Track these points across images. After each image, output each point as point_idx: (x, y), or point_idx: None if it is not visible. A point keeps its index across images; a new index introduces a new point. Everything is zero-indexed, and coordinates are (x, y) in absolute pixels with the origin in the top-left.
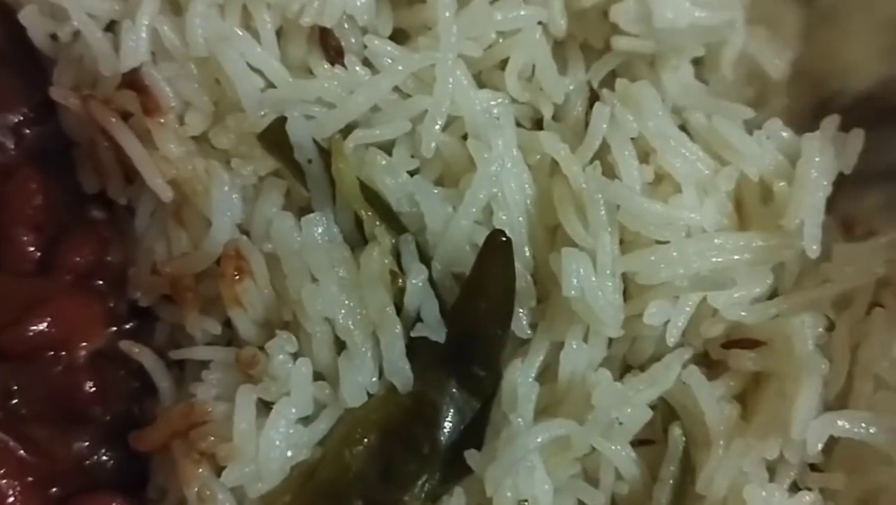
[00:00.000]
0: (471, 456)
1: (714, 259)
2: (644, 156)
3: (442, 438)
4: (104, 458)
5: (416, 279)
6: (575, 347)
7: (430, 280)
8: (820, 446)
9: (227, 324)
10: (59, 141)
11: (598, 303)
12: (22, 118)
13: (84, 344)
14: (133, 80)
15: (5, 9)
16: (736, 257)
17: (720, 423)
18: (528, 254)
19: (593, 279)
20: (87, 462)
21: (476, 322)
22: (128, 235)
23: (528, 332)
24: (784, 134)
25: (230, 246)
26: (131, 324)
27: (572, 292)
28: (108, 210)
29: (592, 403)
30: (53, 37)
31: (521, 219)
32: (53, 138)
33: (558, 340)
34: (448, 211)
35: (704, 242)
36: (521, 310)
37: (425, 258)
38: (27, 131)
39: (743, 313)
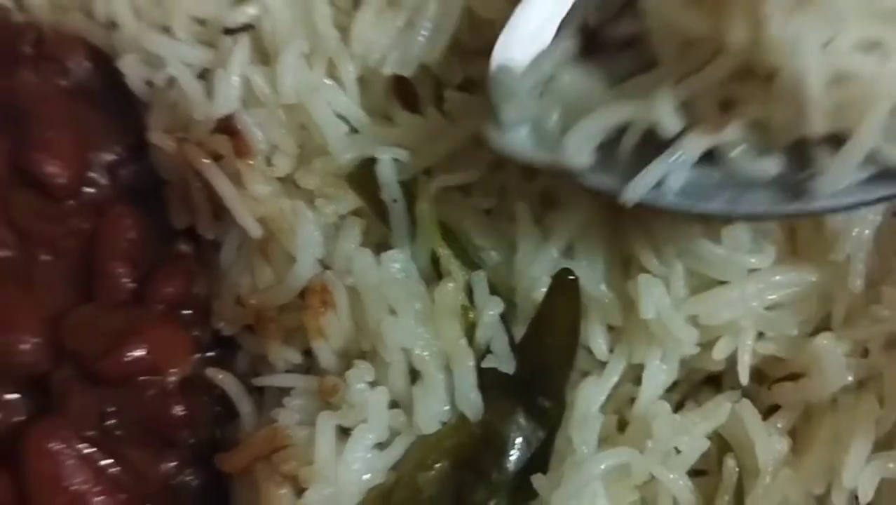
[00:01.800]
0: (538, 481)
1: (770, 297)
2: None
3: (509, 465)
4: (189, 478)
5: (492, 312)
6: (656, 365)
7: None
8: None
9: (306, 353)
10: (149, 180)
11: (674, 323)
12: (116, 157)
13: (174, 370)
14: (227, 126)
15: (102, 56)
16: (789, 291)
17: (770, 454)
18: (602, 287)
19: (668, 302)
20: (174, 482)
21: (543, 356)
22: (212, 269)
23: (607, 354)
24: None
25: (317, 280)
26: (214, 352)
27: (650, 315)
28: (194, 244)
29: (653, 433)
30: (148, 83)
31: (597, 255)
32: (144, 177)
33: (636, 361)
34: (531, 247)
35: (763, 282)
36: (599, 335)
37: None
38: (121, 170)
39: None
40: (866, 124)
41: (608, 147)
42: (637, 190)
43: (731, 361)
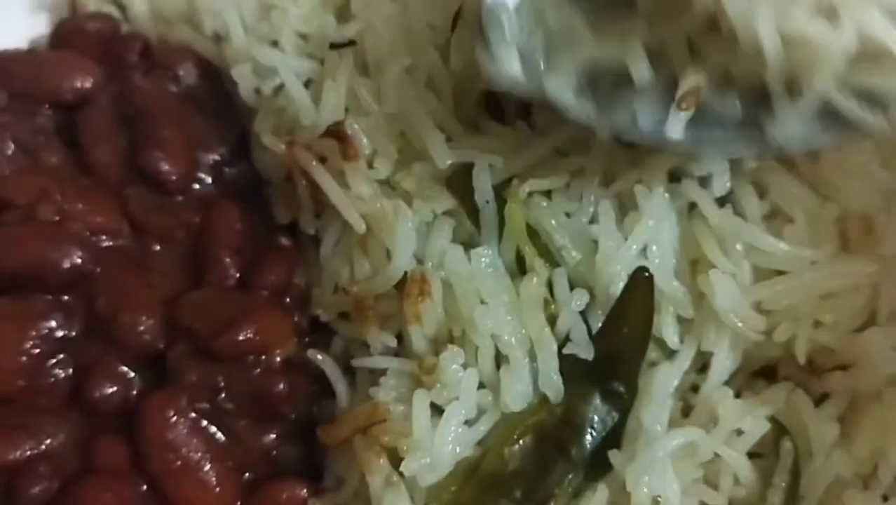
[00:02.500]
0: (614, 455)
1: (827, 286)
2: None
3: (587, 443)
4: (288, 449)
5: (578, 303)
6: (724, 352)
7: None
8: None
9: (398, 338)
10: (249, 178)
11: (743, 313)
12: (220, 157)
13: (279, 351)
14: (336, 131)
15: (208, 65)
16: (843, 281)
17: (823, 437)
18: (675, 283)
19: (738, 294)
20: (275, 453)
21: (618, 344)
22: (311, 261)
23: (678, 343)
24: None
25: (417, 271)
26: (311, 337)
27: (722, 305)
28: (294, 238)
29: (718, 415)
30: (256, 90)
31: (669, 254)
32: (245, 176)
33: (706, 349)
34: (611, 246)
35: (820, 272)
36: (671, 326)
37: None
38: (224, 169)
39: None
40: (816, 80)
41: (596, 83)
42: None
43: (787, 350)
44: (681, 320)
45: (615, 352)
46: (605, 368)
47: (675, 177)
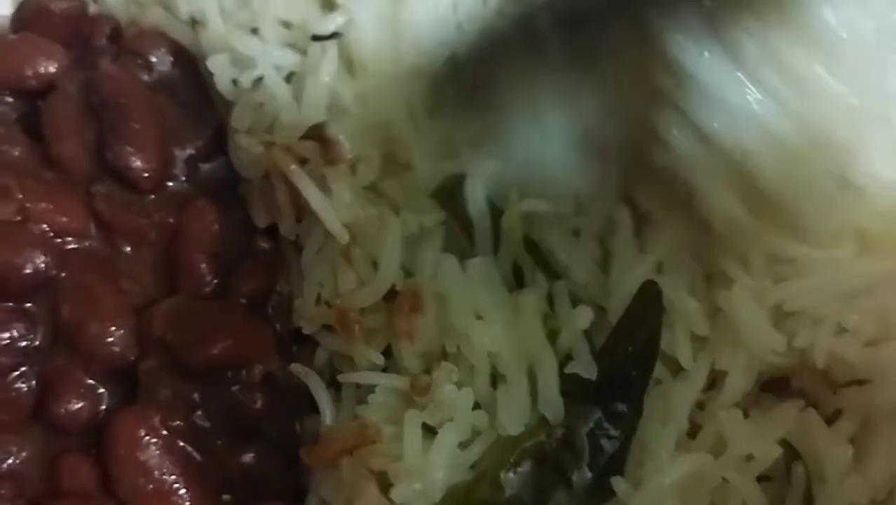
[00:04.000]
0: (617, 483)
1: (849, 285)
2: None
3: (588, 467)
4: (268, 469)
5: (580, 323)
6: (739, 371)
7: None
8: None
9: (384, 352)
10: (226, 175)
11: (765, 332)
12: (195, 152)
13: (259, 365)
14: (319, 134)
15: (184, 54)
16: (865, 280)
17: (836, 461)
18: (690, 298)
19: (759, 310)
20: (254, 473)
21: (623, 363)
22: (292, 267)
23: (692, 362)
24: None
25: (409, 286)
26: (293, 348)
27: (742, 322)
28: (274, 242)
29: (728, 440)
30: (233, 82)
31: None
32: (222, 172)
33: (721, 368)
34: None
35: (841, 270)
36: (684, 344)
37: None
38: (200, 165)
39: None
40: None
41: None
42: None
43: (804, 359)
44: (693, 338)
45: (620, 370)
46: (609, 388)
47: None
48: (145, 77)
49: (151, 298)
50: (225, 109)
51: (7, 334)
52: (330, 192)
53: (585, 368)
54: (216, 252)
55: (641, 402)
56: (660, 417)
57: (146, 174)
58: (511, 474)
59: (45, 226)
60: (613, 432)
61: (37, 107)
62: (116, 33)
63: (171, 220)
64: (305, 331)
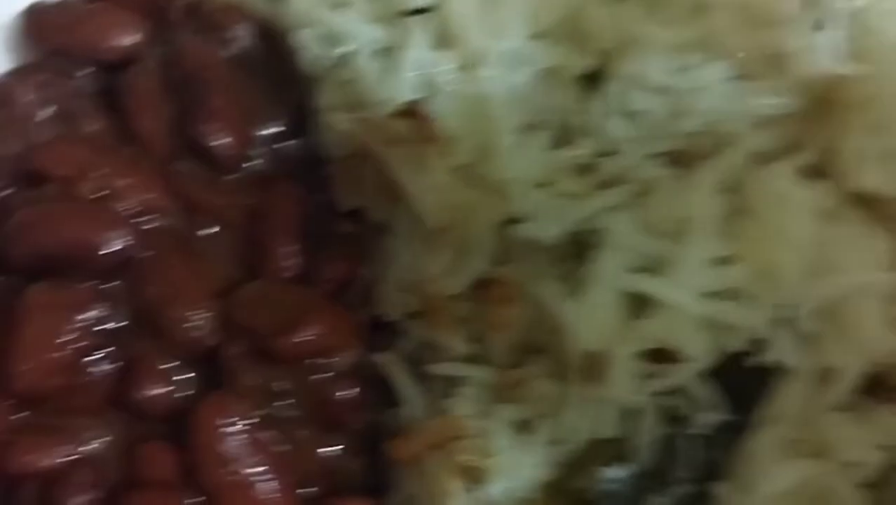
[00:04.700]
0: (720, 489)
1: None
2: None
3: (686, 474)
4: (351, 464)
5: None
6: (854, 370)
7: None
8: None
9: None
10: (309, 155)
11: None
12: (277, 132)
13: (344, 353)
14: (413, 110)
15: (266, 30)
16: None
17: None
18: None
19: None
20: (336, 466)
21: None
22: (377, 252)
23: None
24: None
25: (501, 274)
26: (374, 338)
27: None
28: (358, 226)
29: (831, 445)
30: (320, 58)
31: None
32: (304, 152)
33: (831, 365)
34: None
35: None
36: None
37: None
38: (282, 144)
39: None
40: None
41: None
42: None
43: None
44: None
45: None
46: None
47: None
48: (224, 52)
49: (233, 281)
50: (308, 87)
51: (87, 315)
52: (423, 172)
53: None
54: (299, 235)
55: (751, 410)
56: (764, 420)
57: (229, 152)
58: (607, 471)
59: (126, 203)
60: (718, 437)
61: (115, 80)
62: (194, 7)
63: (253, 202)
64: (389, 318)
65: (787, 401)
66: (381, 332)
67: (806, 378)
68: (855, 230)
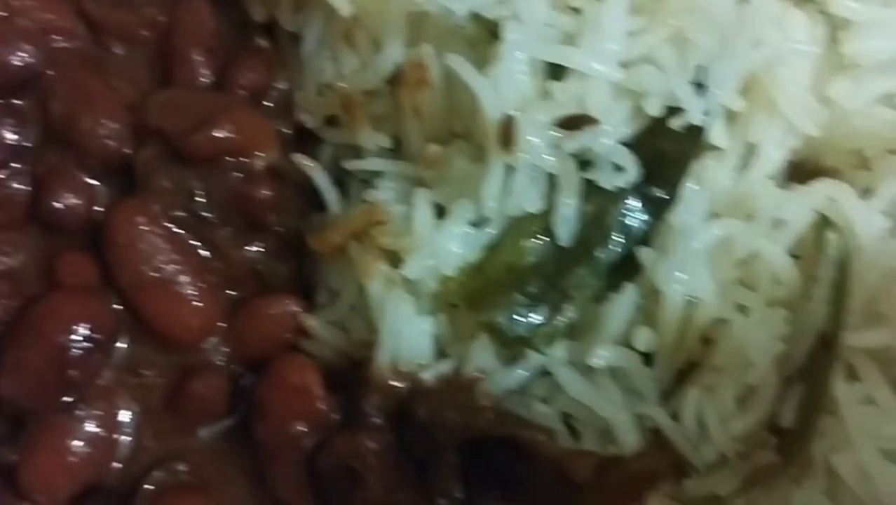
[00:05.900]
0: (643, 253)
1: None
2: None
3: (613, 246)
4: (275, 266)
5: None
6: (773, 144)
7: None
8: None
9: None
10: None
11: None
12: None
13: (261, 154)
14: None
15: None
16: None
17: (870, 229)
18: None
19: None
20: (261, 268)
21: (663, 146)
22: (292, 63)
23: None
24: None
25: (414, 56)
26: (296, 147)
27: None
28: (271, 39)
29: (758, 205)
30: None
31: None
32: None
33: (754, 140)
34: None
35: None
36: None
37: None
38: None
39: None
40: None
41: None
42: None
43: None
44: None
45: (658, 154)
46: (647, 172)
47: None
48: None
49: (146, 93)
50: None
51: None
52: None
53: None
54: (212, 46)
55: (679, 186)
56: (693, 196)
57: None
58: (532, 243)
59: (31, 22)
60: (646, 214)
61: None
62: None
63: (163, 18)
64: (308, 125)
65: (716, 174)
66: (302, 141)
67: (733, 154)
68: (774, 7)
